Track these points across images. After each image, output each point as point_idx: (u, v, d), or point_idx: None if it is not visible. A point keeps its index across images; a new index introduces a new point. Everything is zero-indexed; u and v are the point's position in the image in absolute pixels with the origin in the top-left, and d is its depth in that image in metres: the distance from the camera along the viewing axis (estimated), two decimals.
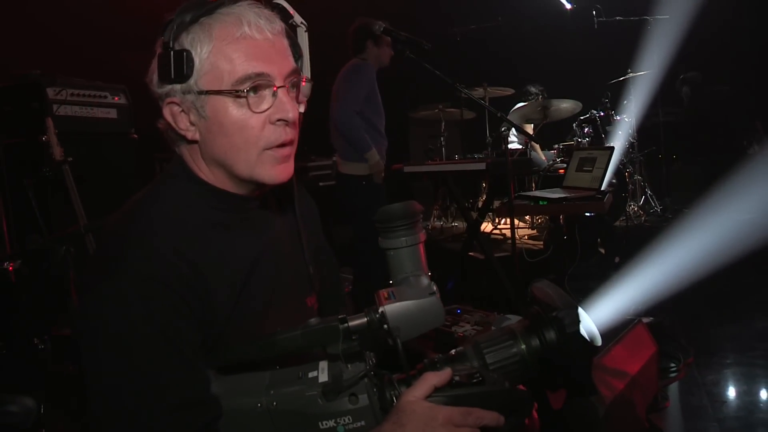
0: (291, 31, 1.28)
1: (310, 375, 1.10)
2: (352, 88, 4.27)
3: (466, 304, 2.59)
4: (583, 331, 1.16)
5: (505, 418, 1.08)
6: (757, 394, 3.17)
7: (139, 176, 4.40)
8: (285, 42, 1.23)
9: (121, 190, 3.98)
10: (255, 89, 1.16)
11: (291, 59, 1.23)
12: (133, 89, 4.37)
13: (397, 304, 1.10)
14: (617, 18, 7.04)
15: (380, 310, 1.09)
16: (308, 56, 1.30)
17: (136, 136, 4.40)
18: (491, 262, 4.49)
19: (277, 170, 1.22)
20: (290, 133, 1.22)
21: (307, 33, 1.32)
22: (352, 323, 1.08)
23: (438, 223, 7.17)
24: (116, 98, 4.31)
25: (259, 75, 1.16)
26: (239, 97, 1.15)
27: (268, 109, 1.18)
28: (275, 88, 1.18)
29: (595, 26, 7.00)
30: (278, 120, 1.19)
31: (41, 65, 3.95)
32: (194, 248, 1.15)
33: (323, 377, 1.09)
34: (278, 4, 1.28)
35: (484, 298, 4.56)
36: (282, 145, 1.21)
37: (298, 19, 1.31)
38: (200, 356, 1.11)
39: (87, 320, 1.08)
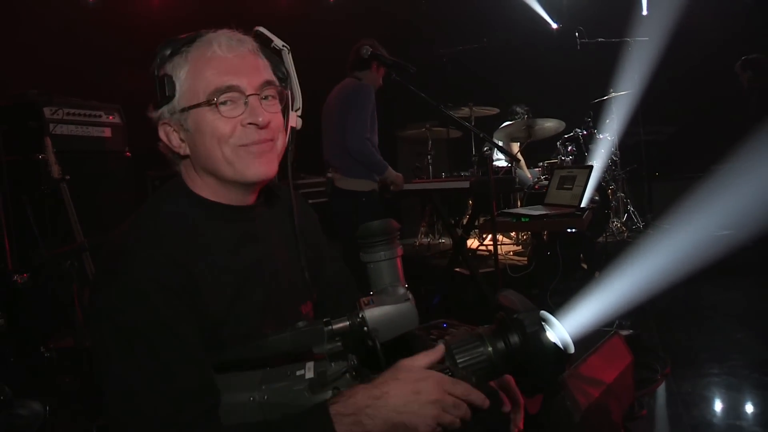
0: (276, 56, 1.40)
1: (298, 373, 1.21)
2: (360, 114, 4.31)
3: (452, 318, 2.66)
4: (553, 337, 1.26)
5: (472, 412, 1.18)
6: (731, 402, 3.27)
7: (133, 193, 4.48)
8: (258, 59, 1.35)
9: (116, 207, 4.09)
10: (227, 100, 1.29)
11: (264, 74, 1.34)
12: (127, 108, 4.46)
13: (377, 308, 1.21)
14: (599, 39, 7.23)
15: (361, 314, 1.20)
16: (296, 76, 1.41)
17: (129, 154, 4.49)
18: (476, 278, 4.61)
19: (256, 164, 1.32)
20: (264, 134, 1.32)
21: (290, 54, 1.40)
22: (335, 326, 1.20)
23: (425, 240, 7.28)
24: (111, 117, 4.41)
25: (229, 87, 1.29)
26: (211, 104, 1.28)
27: (240, 115, 1.30)
28: (247, 97, 1.30)
29: (578, 47, 7.18)
30: (249, 123, 1.30)
31: (38, 85, 4.05)
32: (189, 258, 1.26)
33: (309, 374, 1.20)
34: (257, 31, 1.39)
35: (470, 312, 4.65)
36: (255, 143, 1.31)
37: (279, 42, 1.40)
38: (199, 348, 1.21)
39: (93, 318, 1.22)
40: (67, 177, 3.39)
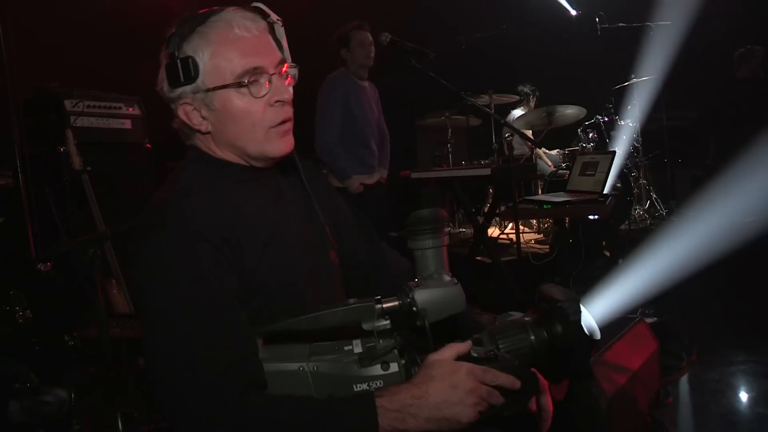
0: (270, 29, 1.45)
1: (346, 348, 1.25)
2: (324, 115, 4.23)
3: (475, 307, 2.64)
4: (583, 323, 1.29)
5: (513, 394, 1.22)
6: (759, 390, 3.23)
7: (153, 184, 4.49)
8: (269, 37, 1.41)
9: (136, 198, 4.11)
10: (254, 80, 1.35)
11: (278, 51, 1.41)
12: (147, 100, 4.47)
13: (427, 290, 1.25)
14: (620, 24, 7.11)
15: (411, 294, 1.23)
16: (287, 46, 1.46)
17: (149, 145, 4.51)
18: (498, 266, 4.58)
19: (281, 143, 1.42)
20: (288, 111, 1.41)
21: (282, 27, 1.46)
22: (386, 305, 1.23)
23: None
24: (131, 109, 4.42)
25: (255, 68, 1.35)
26: (241, 86, 1.34)
27: (266, 94, 1.37)
28: (270, 76, 1.37)
29: (598, 33, 7.07)
30: (276, 101, 1.38)
31: (59, 79, 4.08)
32: (223, 208, 1.33)
33: (358, 349, 1.24)
34: (257, 7, 1.44)
35: (492, 301, 4.62)
36: (282, 122, 1.40)
37: (273, 16, 1.46)
38: (238, 301, 1.26)
39: (138, 270, 1.25)
40: (89, 168, 3.42)
